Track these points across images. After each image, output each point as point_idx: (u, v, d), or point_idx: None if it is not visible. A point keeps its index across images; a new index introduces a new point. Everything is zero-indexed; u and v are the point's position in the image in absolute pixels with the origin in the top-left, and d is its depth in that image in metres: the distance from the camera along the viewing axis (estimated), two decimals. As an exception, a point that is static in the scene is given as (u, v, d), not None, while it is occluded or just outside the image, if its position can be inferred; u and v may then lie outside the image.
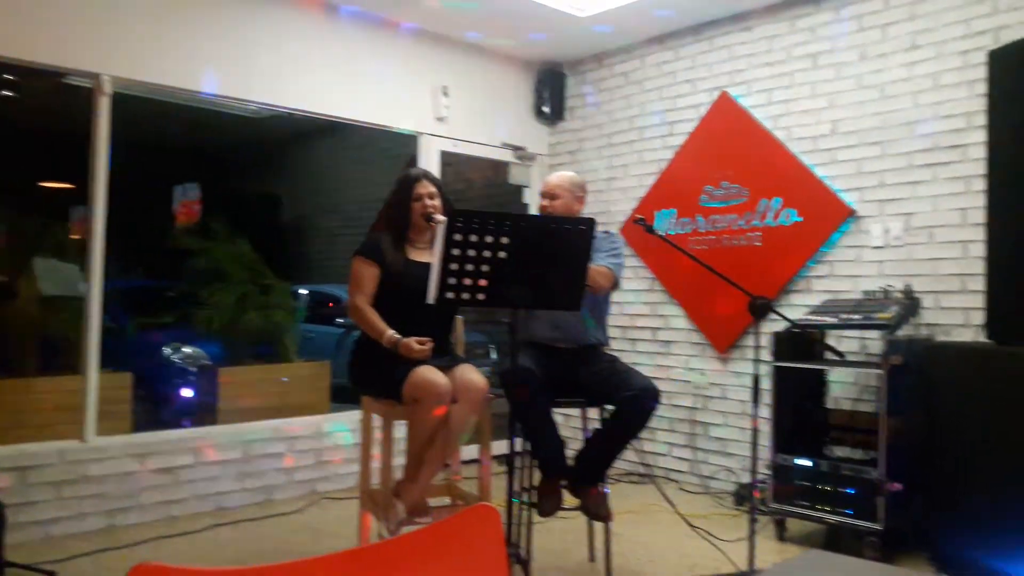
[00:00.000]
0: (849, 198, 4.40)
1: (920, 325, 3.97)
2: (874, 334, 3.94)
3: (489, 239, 2.69)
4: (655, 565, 3.60)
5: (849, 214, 4.38)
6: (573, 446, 3.43)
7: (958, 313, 3.96)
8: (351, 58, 4.98)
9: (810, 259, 4.53)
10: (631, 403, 3.13)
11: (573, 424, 5.04)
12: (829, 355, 4.18)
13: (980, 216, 3.73)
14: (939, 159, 4.07)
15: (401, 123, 5.30)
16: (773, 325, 4.05)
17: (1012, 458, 3.15)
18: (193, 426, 4.80)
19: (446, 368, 3.13)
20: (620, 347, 5.36)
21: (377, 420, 3.29)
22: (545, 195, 3.54)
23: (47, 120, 6.37)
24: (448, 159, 5.59)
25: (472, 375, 3.17)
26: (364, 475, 3.41)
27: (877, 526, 3.53)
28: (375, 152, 8.40)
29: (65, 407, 4.16)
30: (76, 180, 4.43)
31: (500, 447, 3.39)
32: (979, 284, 3.73)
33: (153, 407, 5.80)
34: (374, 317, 3.17)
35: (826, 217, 4.46)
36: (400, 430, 3.21)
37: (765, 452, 3.87)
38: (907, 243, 4.18)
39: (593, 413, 3.45)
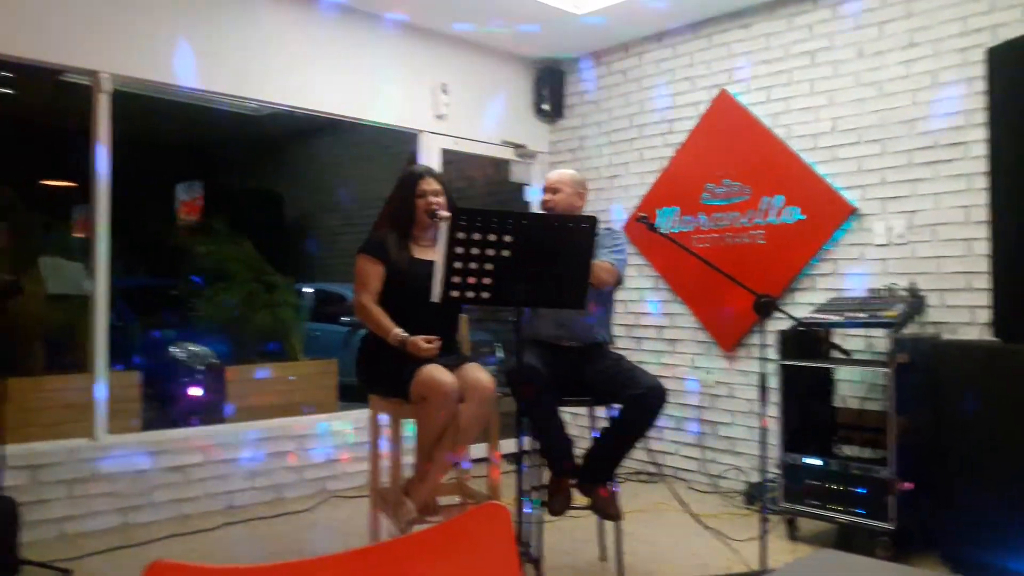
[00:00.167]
0: (851, 196, 4.41)
1: (926, 323, 3.98)
2: (880, 332, 3.93)
3: (492, 238, 2.70)
4: (666, 564, 3.60)
5: (851, 212, 4.39)
6: (582, 445, 3.45)
7: (964, 311, 3.97)
8: (351, 55, 4.99)
9: (814, 257, 4.54)
10: (638, 402, 3.15)
11: (581, 423, 5.06)
12: (835, 353, 4.18)
13: (983, 213, 3.73)
14: (940, 157, 4.09)
15: (401, 120, 5.31)
16: (779, 323, 4.06)
17: (1021, 456, 3.15)
18: (201, 424, 4.83)
19: (453, 367, 3.14)
20: (626, 346, 5.38)
21: (385, 418, 3.31)
22: (547, 189, 3.57)
23: (47, 118, 6.38)
24: (449, 157, 5.60)
25: (479, 374, 3.18)
26: (374, 474, 3.43)
27: (889, 525, 3.52)
28: (376, 150, 8.41)
29: (74, 405, 4.19)
30: (78, 178, 4.44)
31: (508, 446, 3.41)
32: (984, 282, 3.73)
33: (161, 406, 5.83)
34: (380, 315, 3.19)
35: (829, 215, 4.47)
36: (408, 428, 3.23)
37: (774, 451, 3.88)
38: (910, 241, 4.19)
39: (601, 412, 3.46)
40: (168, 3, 4.28)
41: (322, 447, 4.79)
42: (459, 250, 2.69)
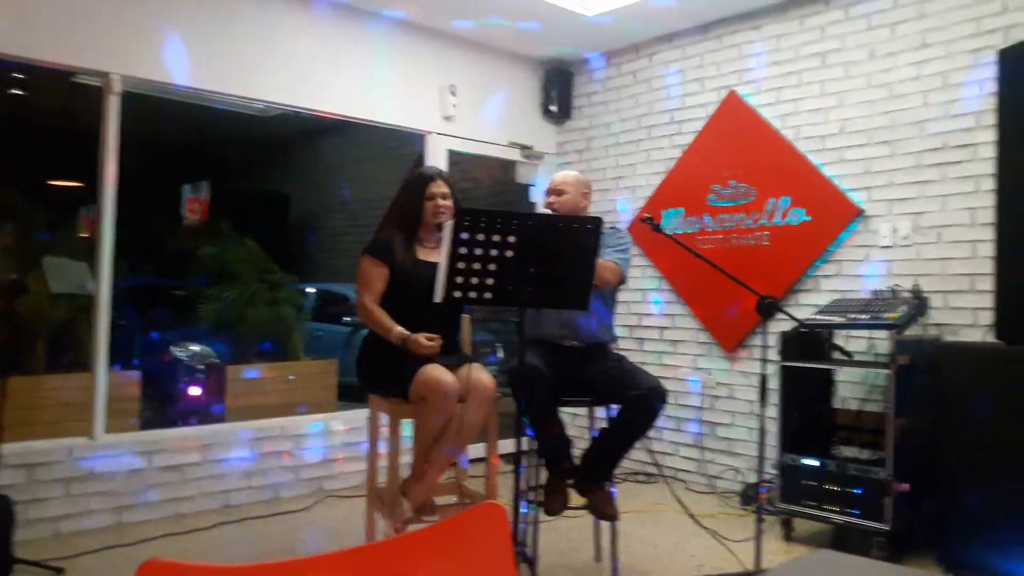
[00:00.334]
0: (857, 197, 4.38)
1: (928, 325, 3.96)
2: (882, 334, 3.92)
3: (496, 238, 2.70)
4: (662, 564, 3.59)
5: (857, 213, 4.36)
6: (580, 445, 3.43)
7: (967, 313, 3.94)
8: (359, 57, 4.99)
9: (818, 258, 4.52)
10: (638, 402, 3.13)
11: (580, 423, 5.04)
12: (837, 355, 4.16)
13: (989, 216, 3.71)
14: (948, 158, 4.06)
15: (408, 122, 5.30)
16: (781, 324, 4.04)
17: (1020, 458, 3.14)
18: (200, 424, 4.82)
19: (454, 367, 3.12)
20: (627, 346, 5.35)
21: (384, 418, 3.29)
22: (552, 191, 3.55)
23: (56, 119, 6.41)
24: (455, 158, 5.59)
25: (480, 374, 3.17)
26: (371, 473, 3.42)
27: (885, 526, 3.52)
28: (381, 151, 8.41)
29: (74, 404, 4.18)
30: (85, 178, 4.44)
31: (507, 446, 3.39)
32: (988, 284, 3.71)
33: (161, 405, 5.82)
34: (382, 315, 3.18)
35: (834, 216, 4.45)
36: (407, 428, 3.21)
37: (772, 452, 3.86)
38: (915, 243, 4.16)
39: (600, 412, 3.44)
40: (178, 6, 4.30)
41: (319, 447, 4.76)
42: (463, 250, 2.68)
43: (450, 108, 5.42)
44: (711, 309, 5.01)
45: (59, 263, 5.41)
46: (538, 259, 2.76)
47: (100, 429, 4.08)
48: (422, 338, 3.05)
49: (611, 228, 3.46)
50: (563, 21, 5.10)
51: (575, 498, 3.31)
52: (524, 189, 6.16)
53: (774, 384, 3.88)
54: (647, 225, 3.41)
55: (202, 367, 6.10)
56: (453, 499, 3.58)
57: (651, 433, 3.34)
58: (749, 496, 4.50)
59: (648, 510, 4.38)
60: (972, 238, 3.95)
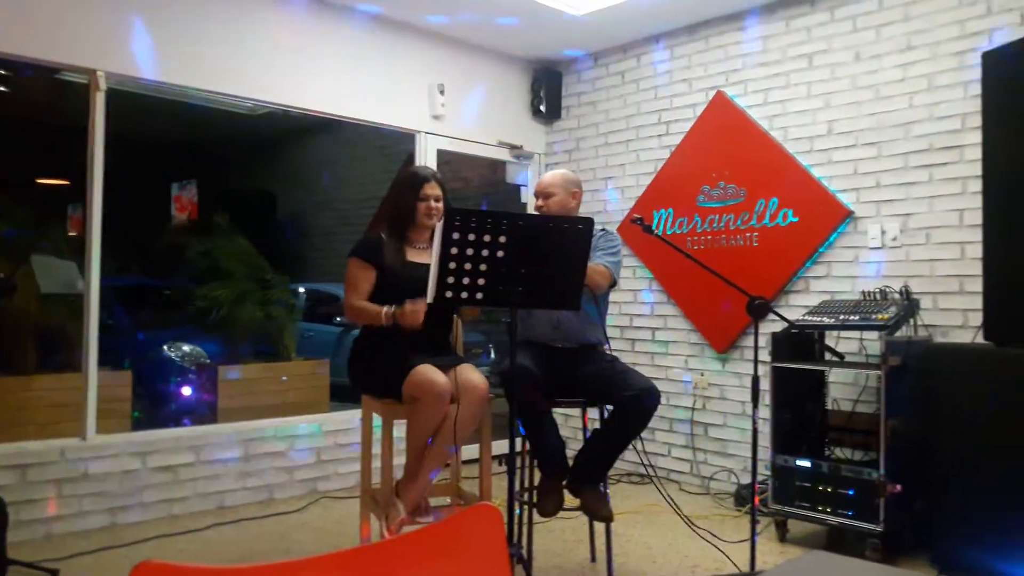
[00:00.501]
0: (846, 199, 4.41)
1: (918, 326, 3.98)
2: (872, 335, 3.94)
3: (487, 238, 2.69)
4: (656, 566, 3.60)
5: (847, 215, 4.39)
6: (573, 446, 3.44)
7: (956, 314, 3.98)
8: (347, 55, 4.98)
9: (808, 260, 4.54)
10: (631, 403, 3.14)
11: (573, 424, 5.07)
12: (828, 356, 4.18)
13: (977, 217, 3.73)
14: (935, 160, 4.09)
15: (398, 121, 5.30)
16: (772, 325, 4.06)
17: (1011, 459, 3.16)
18: (192, 425, 4.81)
19: (446, 367, 3.12)
20: (619, 347, 5.37)
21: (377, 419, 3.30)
22: (539, 195, 3.54)
23: (42, 116, 6.36)
24: (444, 157, 5.59)
25: (472, 375, 3.16)
26: (365, 474, 3.42)
27: (878, 527, 3.53)
28: (370, 150, 8.39)
29: (65, 405, 4.17)
30: (72, 177, 4.42)
31: (500, 447, 3.40)
32: (976, 285, 3.73)
33: (152, 405, 5.80)
34: (367, 305, 3.17)
35: (823, 218, 4.47)
36: (400, 429, 3.22)
37: (765, 453, 3.88)
38: (904, 244, 4.19)
39: (593, 413, 3.45)
40: (164, 3, 4.27)
41: (313, 447, 4.76)
42: (453, 250, 2.68)
43: (439, 107, 5.42)
44: (702, 310, 5.02)
45: (48, 262, 5.39)
46: (529, 259, 2.75)
47: (92, 430, 4.07)
48: (407, 305, 3.05)
49: (602, 231, 3.46)
50: (553, 21, 5.11)
51: (569, 499, 3.31)
52: (515, 189, 6.17)
53: (766, 385, 3.89)
54: (637, 226, 3.42)
55: (193, 367, 6.09)
56: (447, 500, 3.59)
57: (643, 434, 3.35)
58: (743, 497, 4.51)
59: (642, 511, 4.40)
60: (960, 239, 3.98)
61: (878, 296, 4.02)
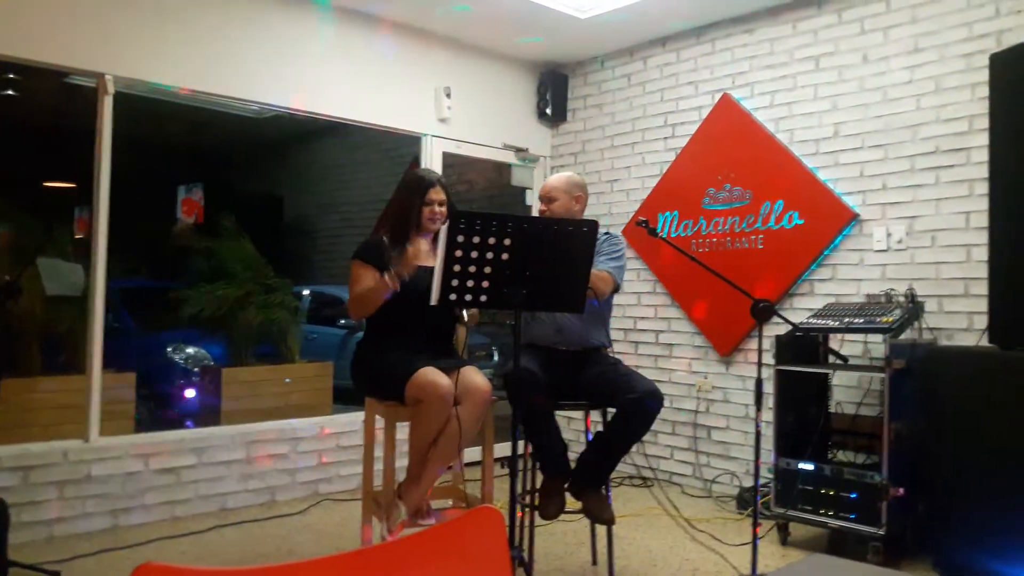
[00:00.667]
0: (852, 201, 4.39)
1: (923, 329, 3.96)
2: (877, 338, 3.93)
3: (491, 241, 2.69)
4: (658, 569, 3.59)
5: (852, 217, 4.37)
6: (576, 449, 3.42)
7: (961, 317, 3.96)
8: (354, 59, 4.99)
9: (813, 262, 4.53)
10: (634, 406, 3.13)
11: (576, 427, 5.05)
12: (832, 359, 4.17)
13: (983, 220, 3.71)
14: (942, 162, 4.07)
15: (404, 124, 5.31)
16: (776, 328, 4.04)
17: (1015, 463, 3.14)
18: (196, 427, 4.81)
19: (449, 370, 3.12)
20: (623, 350, 5.36)
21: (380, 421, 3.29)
22: (543, 199, 3.54)
23: (50, 119, 6.40)
24: (450, 160, 5.59)
25: (475, 377, 3.15)
26: (367, 477, 3.41)
27: (880, 531, 3.52)
28: (376, 153, 8.41)
29: (69, 407, 4.17)
30: (79, 179, 4.43)
31: (503, 449, 3.39)
32: (982, 288, 3.71)
33: (156, 407, 5.81)
34: (365, 285, 3.12)
35: (829, 220, 4.46)
36: (403, 431, 3.21)
37: (768, 456, 3.87)
38: (910, 247, 4.17)
39: (596, 416, 3.44)
40: (173, 6, 4.29)
41: (315, 450, 4.76)
42: (458, 253, 2.67)
43: (445, 110, 5.42)
44: (707, 313, 5.01)
45: (54, 264, 5.40)
46: (533, 262, 2.76)
47: (95, 432, 4.07)
48: (408, 251, 3.04)
49: (606, 234, 3.45)
50: (558, 24, 5.11)
51: (571, 502, 3.30)
52: (520, 192, 6.16)
53: (769, 388, 3.88)
54: (642, 228, 3.41)
55: (197, 370, 6.09)
56: (449, 503, 3.58)
57: (646, 437, 3.34)
58: (745, 500, 4.50)
59: (644, 514, 4.39)
60: (966, 242, 3.97)
61: (883, 299, 4.00)
